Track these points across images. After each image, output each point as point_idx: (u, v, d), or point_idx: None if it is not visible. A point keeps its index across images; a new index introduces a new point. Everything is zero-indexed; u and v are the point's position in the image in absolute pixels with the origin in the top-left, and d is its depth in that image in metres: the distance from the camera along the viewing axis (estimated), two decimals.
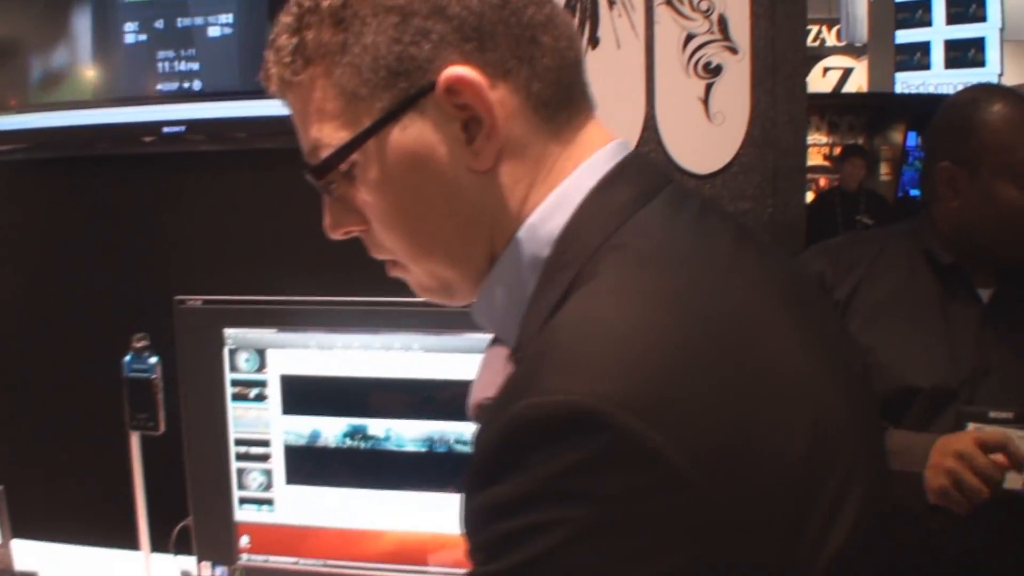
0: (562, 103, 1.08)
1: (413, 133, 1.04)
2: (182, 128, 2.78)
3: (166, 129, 2.79)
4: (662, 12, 2.58)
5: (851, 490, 0.92)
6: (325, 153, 1.07)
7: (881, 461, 1.08)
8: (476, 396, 1.12)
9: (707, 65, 2.60)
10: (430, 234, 1.10)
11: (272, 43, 1.11)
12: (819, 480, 0.90)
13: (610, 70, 2.65)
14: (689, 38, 2.59)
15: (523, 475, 0.85)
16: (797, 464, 0.88)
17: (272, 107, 2.53)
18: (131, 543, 2.30)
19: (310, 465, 2.06)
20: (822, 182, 10.78)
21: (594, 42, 2.66)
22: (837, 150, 10.50)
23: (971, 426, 2.05)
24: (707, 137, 2.63)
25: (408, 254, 1.12)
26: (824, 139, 11.12)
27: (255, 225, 2.92)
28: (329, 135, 1.06)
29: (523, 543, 0.86)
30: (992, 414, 2.07)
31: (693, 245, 1.03)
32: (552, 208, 1.07)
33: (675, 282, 0.96)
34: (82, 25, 2.85)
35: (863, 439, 1.00)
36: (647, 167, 1.12)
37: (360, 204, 1.10)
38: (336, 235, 1.16)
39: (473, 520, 0.92)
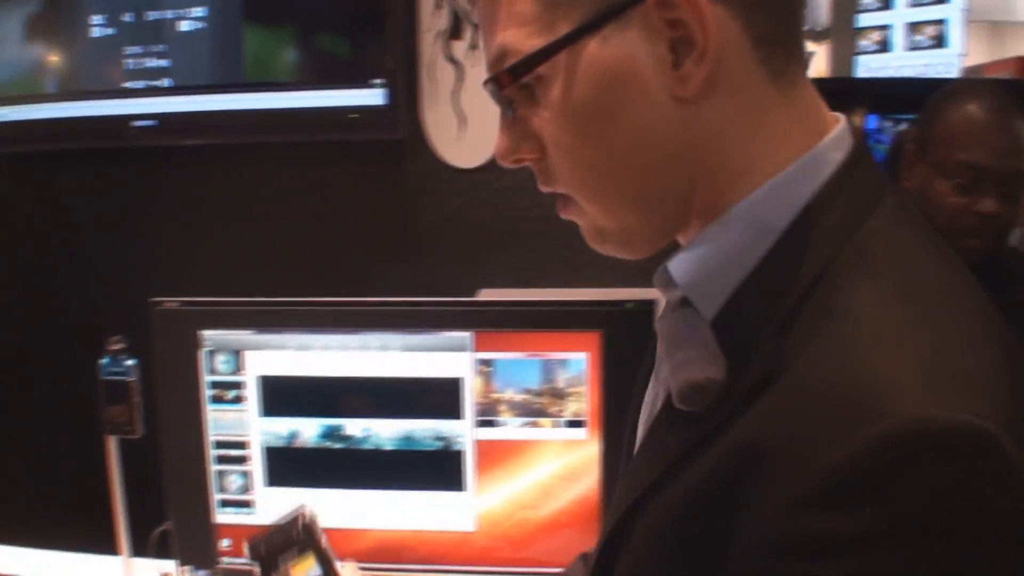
0: (780, 43, 0.95)
1: (613, 48, 0.92)
2: (154, 122, 2.77)
3: (137, 123, 2.78)
4: None
5: None
6: (511, 61, 0.95)
7: None
8: (688, 375, 0.92)
9: None
10: (619, 168, 0.97)
11: None
12: None
13: None
14: None
15: (884, 504, 0.75)
16: None
17: (247, 101, 2.52)
18: (111, 548, 2.29)
19: (289, 466, 2.06)
20: None
21: None
22: None
23: None
24: None
25: (589, 190, 1.00)
26: None
27: (231, 224, 2.92)
28: (519, 41, 0.94)
29: None
30: None
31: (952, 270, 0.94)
32: (798, 175, 0.96)
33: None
34: (50, 18, 2.84)
35: None
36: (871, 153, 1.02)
37: (539, 127, 0.98)
38: (507, 162, 1.03)
39: (778, 551, 0.79)
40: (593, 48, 0.92)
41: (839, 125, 0.99)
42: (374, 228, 2.85)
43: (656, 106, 0.93)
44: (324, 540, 1.74)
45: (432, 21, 2.74)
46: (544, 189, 1.05)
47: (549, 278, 2.75)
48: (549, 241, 2.75)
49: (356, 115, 2.67)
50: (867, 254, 0.91)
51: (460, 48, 2.74)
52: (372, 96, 2.65)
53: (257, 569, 1.57)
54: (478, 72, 2.74)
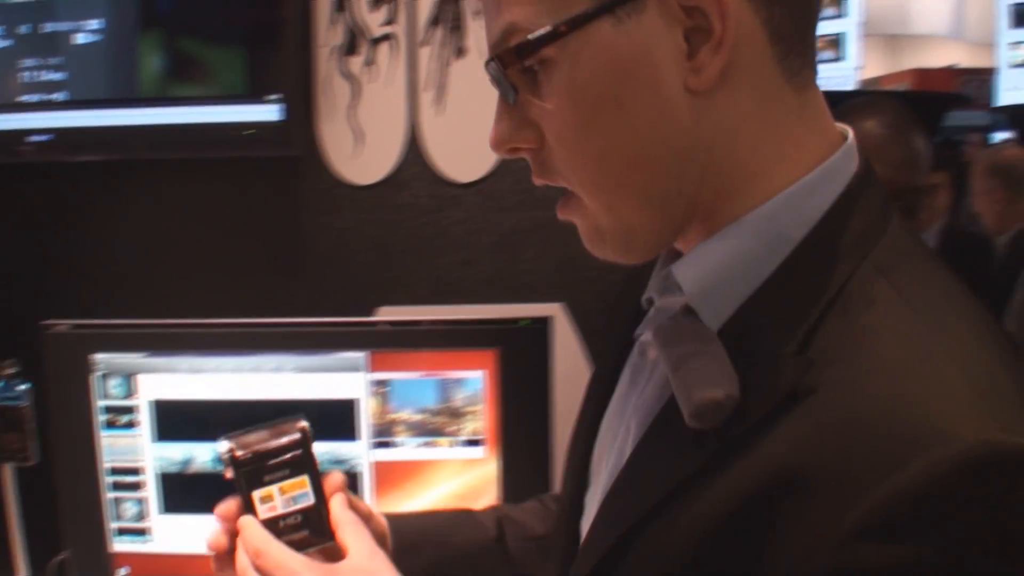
0: (797, 42, 0.93)
1: (627, 33, 0.88)
2: (50, 136, 2.72)
3: (32, 138, 2.73)
4: None
5: None
6: (518, 40, 0.91)
7: None
8: (705, 392, 0.88)
9: None
10: (626, 161, 0.93)
11: None
12: None
13: (476, 79, 2.66)
14: None
15: (951, 531, 0.74)
16: None
17: (142, 116, 2.50)
18: None
19: (185, 492, 2.03)
20: None
21: (459, 52, 2.68)
22: None
23: None
24: None
25: (593, 184, 0.95)
26: None
27: (126, 243, 2.86)
28: (529, 19, 0.90)
29: None
30: None
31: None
32: (813, 185, 0.93)
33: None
34: None
35: None
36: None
37: (539, 115, 0.95)
38: (501, 151, 0.99)
39: None
40: (606, 32, 0.89)
41: (849, 137, 0.98)
42: (270, 246, 2.82)
43: (668, 97, 0.90)
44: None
45: (328, 36, 2.73)
46: (539, 182, 1.02)
47: (447, 295, 2.74)
48: (447, 258, 2.74)
49: (251, 131, 2.65)
50: (888, 271, 0.90)
51: (356, 64, 2.73)
52: (267, 112, 2.63)
53: (231, 474, 1.23)
54: (374, 88, 2.73)
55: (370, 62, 2.73)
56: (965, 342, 0.85)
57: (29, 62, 2.72)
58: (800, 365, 0.86)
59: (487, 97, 2.59)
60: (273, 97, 2.63)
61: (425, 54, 2.71)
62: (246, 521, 1.20)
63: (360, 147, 2.75)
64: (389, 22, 2.71)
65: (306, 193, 2.79)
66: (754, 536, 0.82)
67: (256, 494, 1.22)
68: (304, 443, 1.27)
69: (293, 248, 2.80)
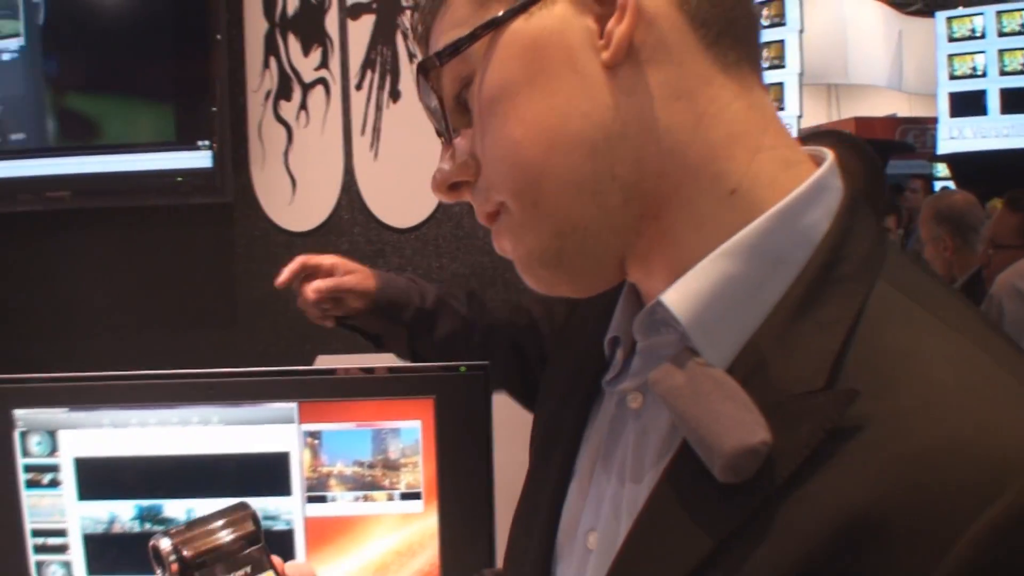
0: (725, 35, 0.90)
1: (537, 22, 0.89)
2: None
3: None
4: None
5: None
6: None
7: None
8: (737, 441, 0.80)
9: None
10: (546, 141, 0.89)
11: None
12: None
13: (412, 123, 2.66)
14: None
15: None
16: None
17: (70, 164, 2.43)
18: None
19: (111, 553, 1.95)
20: None
21: (395, 95, 2.64)
22: None
23: None
24: None
25: (516, 182, 0.92)
26: None
27: (52, 292, 2.80)
28: (451, 36, 0.92)
29: None
30: None
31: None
32: (805, 202, 0.88)
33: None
34: None
35: None
36: None
37: (471, 140, 0.94)
38: (442, 190, 0.98)
39: None
40: (517, 27, 0.90)
41: (830, 154, 0.93)
42: (204, 294, 2.77)
43: (585, 75, 0.88)
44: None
45: (260, 81, 2.68)
46: (482, 217, 0.99)
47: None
48: None
49: (182, 178, 2.59)
50: (905, 288, 0.85)
51: (289, 109, 2.69)
52: (198, 158, 2.58)
53: None
54: (307, 133, 2.69)
55: (303, 106, 2.68)
56: (1010, 356, 0.81)
57: None
58: (839, 399, 0.79)
59: (423, 141, 2.56)
60: (203, 143, 2.58)
61: (359, 98, 2.67)
62: None
63: (295, 193, 2.70)
64: (322, 66, 2.66)
65: (240, 240, 2.74)
66: None
67: None
68: (258, 534, 1.13)
69: (227, 297, 2.75)
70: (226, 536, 1.10)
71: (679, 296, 0.88)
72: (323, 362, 2.58)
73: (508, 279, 2.67)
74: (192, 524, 1.10)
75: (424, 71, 0.94)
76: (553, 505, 1.09)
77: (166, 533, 1.08)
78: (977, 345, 0.80)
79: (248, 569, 1.09)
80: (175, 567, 1.07)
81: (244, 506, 1.15)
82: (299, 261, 1.92)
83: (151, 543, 1.08)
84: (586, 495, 1.04)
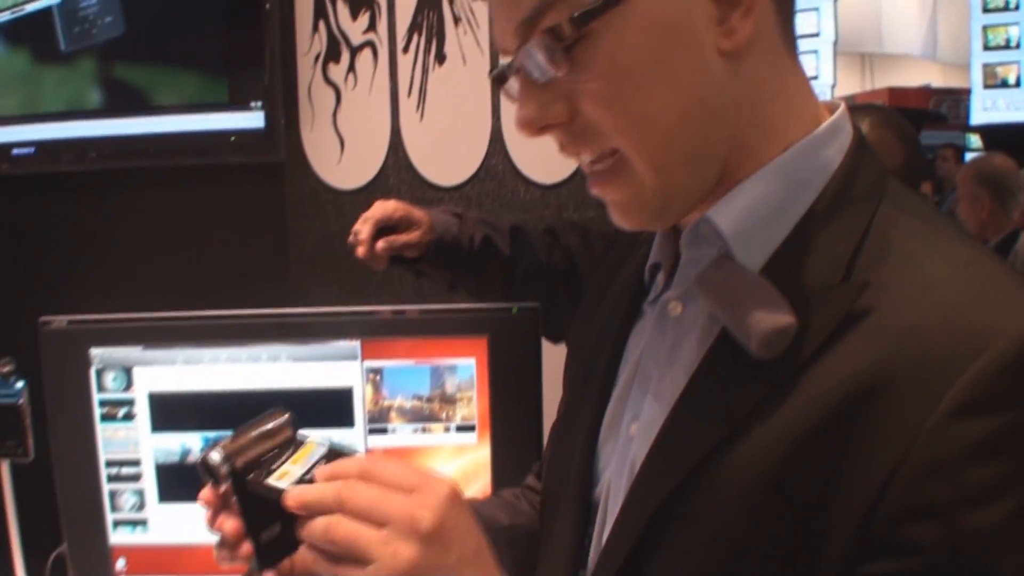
0: (791, 15, 1.07)
1: (664, 2, 0.98)
2: (31, 150, 2.81)
3: (16, 151, 2.81)
4: None
5: None
6: (561, 16, 0.97)
7: None
8: (771, 323, 0.99)
9: None
10: (676, 118, 1.01)
11: None
12: None
13: (457, 85, 2.77)
14: None
15: None
16: None
17: (128, 126, 2.58)
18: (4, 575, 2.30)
19: (182, 482, 2.09)
20: None
21: (440, 58, 2.77)
22: None
23: None
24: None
25: (646, 145, 1.02)
26: None
27: (118, 245, 2.96)
28: None
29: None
30: None
31: None
32: (824, 139, 1.07)
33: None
34: None
35: None
36: None
37: (572, 87, 1.00)
38: (532, 131, 1.06)
39: (950, 457, 0.88)
40: (645, 3, 0.97)
41: (842, 104, 1.12)
42: (257, 249, 2.91)
43: (705, 60, 1.00)
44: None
45: (309, 45, 2.82)
46: (569, 152, 1.08)
47: (431, 298, 2.82)
48: None
49: (235, 138, 2.73)
50: (903, 207, 1.05)
51: (338, 71, 2.82)
52: (251, 119, 2.72)
53: (229, 481, 1.13)
54: (355, 94, 2.82)
55: (352, 68, 2.82)
56: (986, 253, 1.03)
57: (17, 73, 2.80)
58: (852, 290, 0.99)
59: (467, 103, 2.70)
60: (255, 104, 2.72)
61: (406, 61, 2.81)
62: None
63: (343, 153, 2.84)
64: (370, 29, 2.80)
65: (291, 198, 2.87)
66: (844, 444, 0.93)
67: (271, 479, 1.13)
68: (294, 422, 1.21)
69: (278, 252, 2.88)
70: (268, 442, 1.16)
71: (722, 214, 1.06)
72: None
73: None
74: (236, 436, 1.16)
75: (542, 20, 0.99)
76: (597, 409, 1.26)
77: (214, 446, 1.14)
78: (967, 247, 1.02)
79: (292, 449, 1.15)
80: (226, 478, 1.12)
81: (281, 411, 1.22)
82: (371, 223, 2.08)
83: (201, 457, 1.14)
84: (628, 398, 1.21)
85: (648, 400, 1.16)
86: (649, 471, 1.10)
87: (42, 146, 2.80)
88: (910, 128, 2.60)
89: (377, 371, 2.03)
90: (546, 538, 1.36)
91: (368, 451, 2.01)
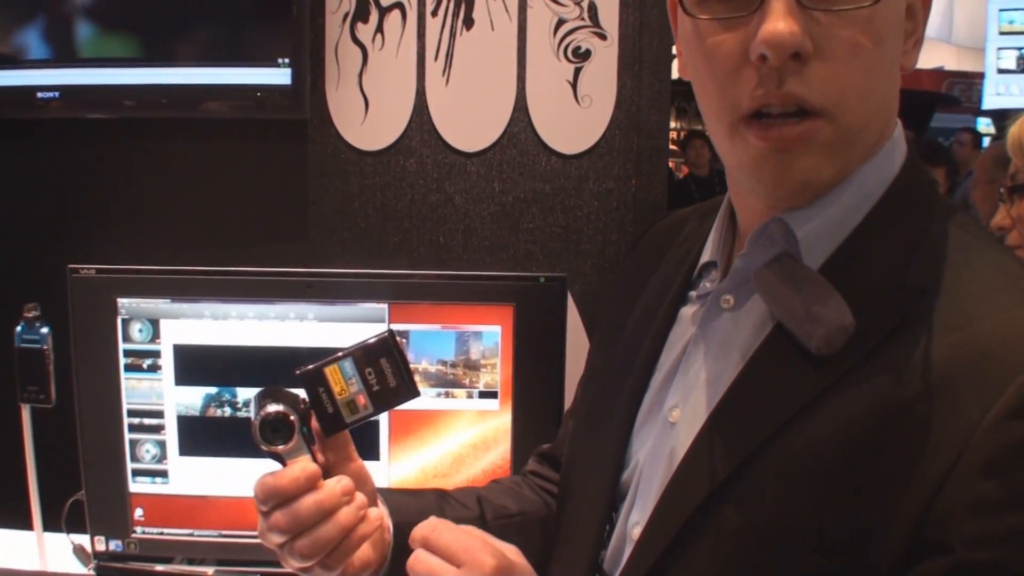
0: None
1: None
2: (56, 94, 2.85)
3: (40, 95, 2.85)
4: None
5: None
6: None
7: None
8: (835, 320, 1.08)
9: (576, 50, 2.79)
10: (892, 91, 1.15)
11: None
12: None
13: (484, 51, 2.82)
14: (560, 23, 2.78)
15: None
16: None
17: (153, 75, 2.63)
18: (21, 521, 2.36)
19: (204, 436, 2.15)
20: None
21: (468, 23, 2.82)
22: (683, 135, 10.94)
23: None
24: (575, 119, 2.82)
25: (865, 102, 1.10)
26: (672, 124, 11.51)
27: (154, 196, 3.00)
28: None
29: None
30: None
31: None
32: (892, 149, 1.18)
33: None
34: None
35: None
36: None
37: (836, 29, 1.05)
38: (786, 48, 1.04)
39: (1003, 457, 0.96)
40: None
41: (897, 120, 1.21)
42: (277, 205, 2.95)
43: (896, 58, 1.14)
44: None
45: (338, 3, 2.87)
46: (780, 93, 1.07)
47: (448, 262, 2.88)
48: (449, 226, 2.89)
49: (261, 93, 2.78)
50: (956, 220, 1.14)
51: (366, 31, 2.87)
52: (278, 75, 2.77)
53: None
54: (382, 55, 2.87)
55: (379, 29, 2.87)
56: None
57: (38, 20, 2.84)
58: (907, 295, 1.07)
59: (493, 69, 2.75)
60: (283, 61, 2.77)
61: (434, 24, 2.86)
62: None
63: (368, 114, 2.89)
64: None
65: (313, 156, 2.92)
66: (899, 443, 1.00)
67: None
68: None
69: (298, 210, 2.94)
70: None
71: (805, 221, 1.15)
72: None
73: (568, 205, 2.86)
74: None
75: None
76: (636, 395, 1.33)
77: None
78: (1013, 258, 1.10)
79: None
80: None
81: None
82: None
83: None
84: (670, 386, 1.28)
85: (695, 388, 1.23)
86: (698, 457, 1.17)
87: (67, 91, 2.84)
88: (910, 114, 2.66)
89: (403, 334, 2.09)
90: (568, 520, 1.43)
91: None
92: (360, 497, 1.31)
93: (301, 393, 1.34)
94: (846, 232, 1.14)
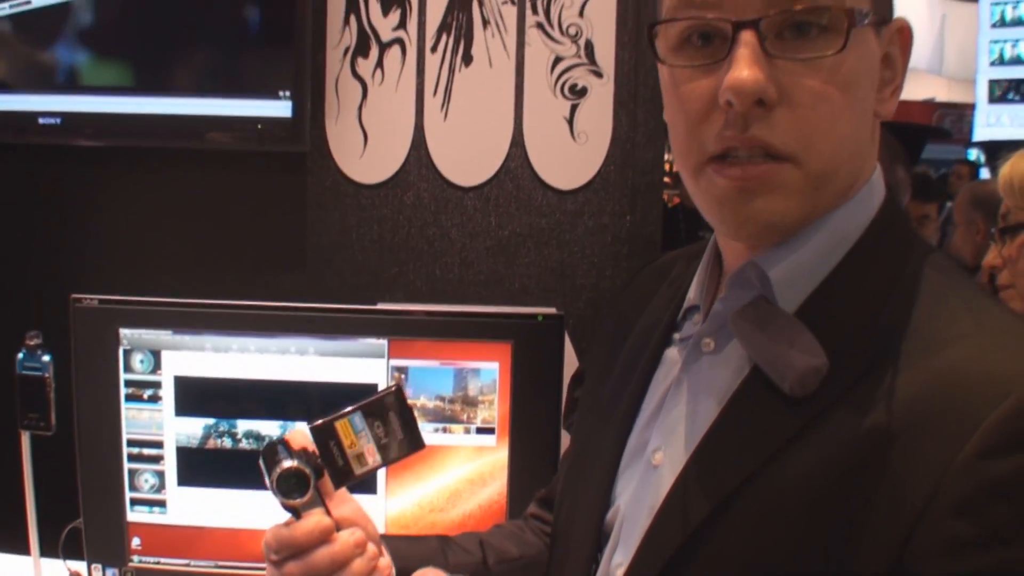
0: None
1: (878, 41, 1.15)
2: (57, 120, 2.88)
3: (42, 120, 2.89)
4: (533, 35, 2.82)
5: None
6: (857, 4, 1.10)
7: None
8: (807, 362, 1.10)
9: (573, 87, 2.85)
10: (857, 144, 1.16)
11: None
12: None
13: (482, 87, 2.88)
14: (557, 60, 2.84)
15: None
16: None
17: (155, 105, 2.66)
18: (18, 546, 2.38)
19: (203, 466, 2.17)
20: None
21: (467, 60, 2.87)
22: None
23: None
24: (571, 155, 2.88)
25: (829, 152, 1.12)
26: (666, 156, 11.56)
27: (153, 225, 3.05)
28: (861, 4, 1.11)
29: None
30: None
31: None
32: (869, 193, 1.21)
33: None
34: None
35: None
36: None
37: (799, 78, 1.08)
38: (750, 96, 1.08)
39: (976, 495, 0.98)
40: (872, 37, 1.14)
41: (876, 164, 1.24)
42: (275, 236, 3.00)
43: (868, 107, 1.17)
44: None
45: (339, 38, 2.92)
46: (743, 137, 1.11)
47: (443, 296, 2.93)
48: (445, 259, 2.94)
49: (262, 125, 2.83)
50: (931, 262, 1.16)
51: (366, 66, 2.92)
52: (279, 108, 2.81)
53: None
54: (382, 90, 2.91)
55: (379, 64, 2.92)
56: (1005, 305, 1.17)
57: (46, 47, 2.89)
58: (881, 335, 1.10)
59: (491, 105, 2.79)
60: (284, 93, 2.81)
61: (433, 60, 2.90)
62: None
63: (366, 147, 2.93)
64: (400, 27, 2.90)
65: (312, 189, 2.97)
66: (874, 481, 1.03)
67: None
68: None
69: (296, 242, 2.98)
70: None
71: (777, 263, 1.18)
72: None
73: (563, 240, 2.91)
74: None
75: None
76: (620, 437, 1.36)
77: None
78: (988, 299, 1.15)
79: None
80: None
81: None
82: None
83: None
84: (653, 427, 1.31)
85: (676, 430, 1.26)
86: (678, 499, 1.19)
87: (70, 118, 2.87)
88: (899, 163, 2.70)
89: (402, 369, 2.12)
90: (557, 561, 1.46)
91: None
92: (371, 548, 1.33)
93: (303, 439, 1.38)
94: (822, 275, 1.17)
